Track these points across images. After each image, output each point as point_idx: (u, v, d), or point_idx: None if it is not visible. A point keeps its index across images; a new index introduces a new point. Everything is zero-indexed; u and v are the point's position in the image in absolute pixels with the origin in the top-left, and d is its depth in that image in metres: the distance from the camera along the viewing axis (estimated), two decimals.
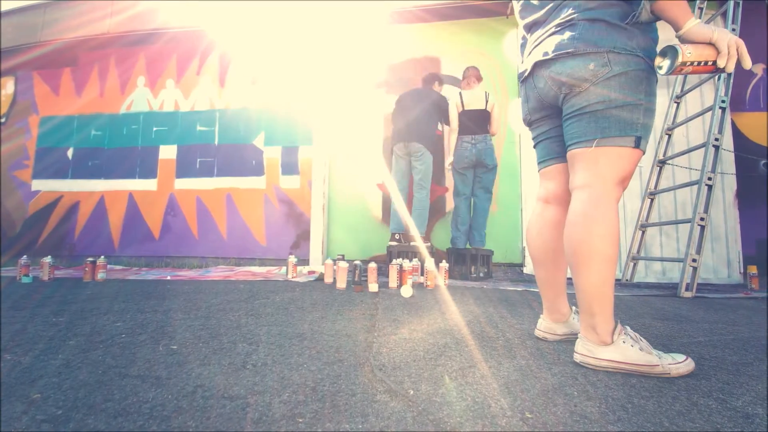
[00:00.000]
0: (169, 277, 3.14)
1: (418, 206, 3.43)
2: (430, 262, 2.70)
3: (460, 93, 3.49)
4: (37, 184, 4.93)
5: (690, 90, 3.46)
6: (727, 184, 3.62)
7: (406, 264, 2.54)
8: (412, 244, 3.38)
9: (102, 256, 2.97)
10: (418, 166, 3.43)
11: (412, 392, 0.91)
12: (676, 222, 3.25)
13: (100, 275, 2.85)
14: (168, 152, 4.73)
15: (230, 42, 4.70)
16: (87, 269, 2.83)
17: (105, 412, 0.80)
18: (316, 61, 4.51)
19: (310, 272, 3.25)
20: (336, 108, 4.40)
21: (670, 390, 0.94)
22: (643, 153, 1.17)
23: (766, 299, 2.50)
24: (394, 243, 3.44)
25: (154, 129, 4.79)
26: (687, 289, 2.67)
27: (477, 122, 3.39)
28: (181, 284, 2.71)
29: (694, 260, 2.68)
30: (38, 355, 1.14)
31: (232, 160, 4.58)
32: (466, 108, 3.43)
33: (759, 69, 3.68)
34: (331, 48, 4.49)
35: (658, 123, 3.55)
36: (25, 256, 2.82)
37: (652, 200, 3.49)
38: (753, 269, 3.01)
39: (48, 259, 2.89)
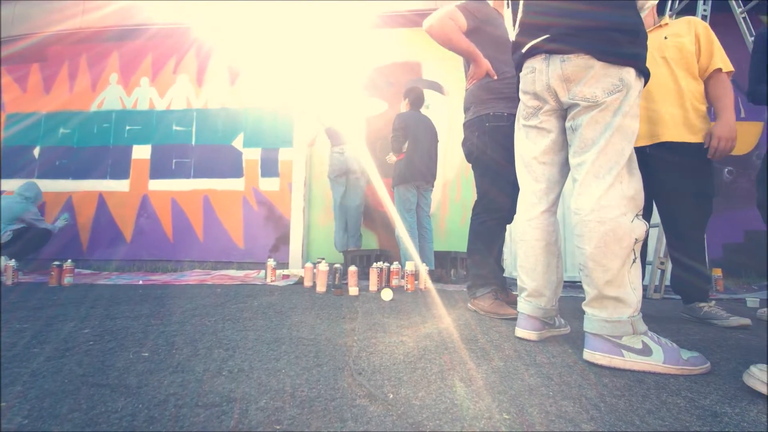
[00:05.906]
0: (141, 282, 3.05)
1: (431, 235, 3.32)
2: (410, 265, 2.71)
3: None
4: (1, 184, 4.70)
5: None
6: None
7: (386, 267, 2.54)
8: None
9: (69, 260, 2.85)
10: (429, 197, 3.37)
11: (391, 396, 0.91)
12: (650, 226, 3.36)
13: (67, 280, 2.73)
14: (142, 152, 4.59)
15: (209, 41, 4.62)
16: (53, 273, 2.71)
17: (72, 422, 0.76)
18: (298, 61, 4.48)
19: (286, 276, 3.20)
20: (318, 109, 4.38)
21: (640, 389, 0.97)
22: None
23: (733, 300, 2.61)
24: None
25: (127, 128, 4.65)
26: (655, 291, 2.78)
27: None
28: (154, 289, 2.63)
29: (662, 263, 2.79)
30: (2, 363, 1.08)
31: (210, 161, 4.49)
32: None
33: None
34: (314, 49, 4.47)
35: None
36: None
37: None
38: (717, 272, 3.14)
39: (12, 263, 2.76)
